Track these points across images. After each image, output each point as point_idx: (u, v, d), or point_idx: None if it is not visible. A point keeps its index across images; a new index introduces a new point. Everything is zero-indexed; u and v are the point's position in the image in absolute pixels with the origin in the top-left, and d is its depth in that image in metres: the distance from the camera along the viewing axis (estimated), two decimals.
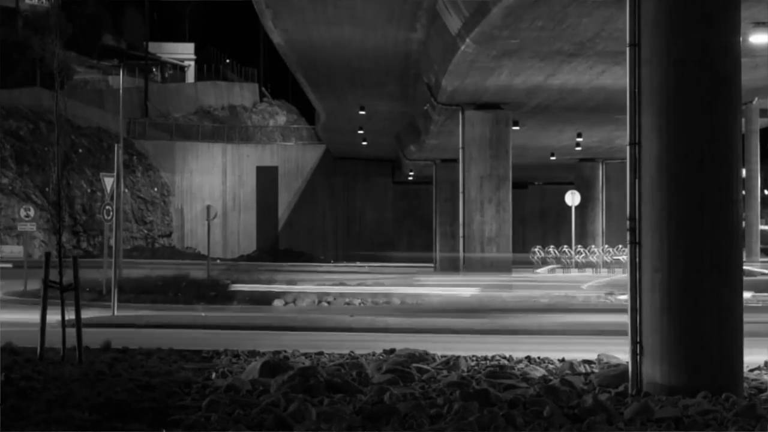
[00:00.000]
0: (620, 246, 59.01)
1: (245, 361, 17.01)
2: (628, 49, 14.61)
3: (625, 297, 15.50)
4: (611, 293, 37.32)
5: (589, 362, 16.85)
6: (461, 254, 41.20)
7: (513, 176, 41.72)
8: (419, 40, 37.07)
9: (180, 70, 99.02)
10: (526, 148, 55.52)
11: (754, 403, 12.88)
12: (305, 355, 17.87)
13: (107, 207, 33.30)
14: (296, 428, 11.58)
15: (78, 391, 13.39)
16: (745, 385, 14.64)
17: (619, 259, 58.98)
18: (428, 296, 36.83)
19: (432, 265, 66.47)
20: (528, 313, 30.52)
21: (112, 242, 35.03)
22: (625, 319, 14.66)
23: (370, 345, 19.26)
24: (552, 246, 64.38)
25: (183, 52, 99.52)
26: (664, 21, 14.36)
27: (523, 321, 27.69)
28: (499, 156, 40.78)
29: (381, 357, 17.42)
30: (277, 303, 34.44)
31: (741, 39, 14.69)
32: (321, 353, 18.04)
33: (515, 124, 42.68)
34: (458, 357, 17.09)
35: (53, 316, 16.74)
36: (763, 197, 66.63)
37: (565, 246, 63.27)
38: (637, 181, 14.47)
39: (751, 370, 16.24)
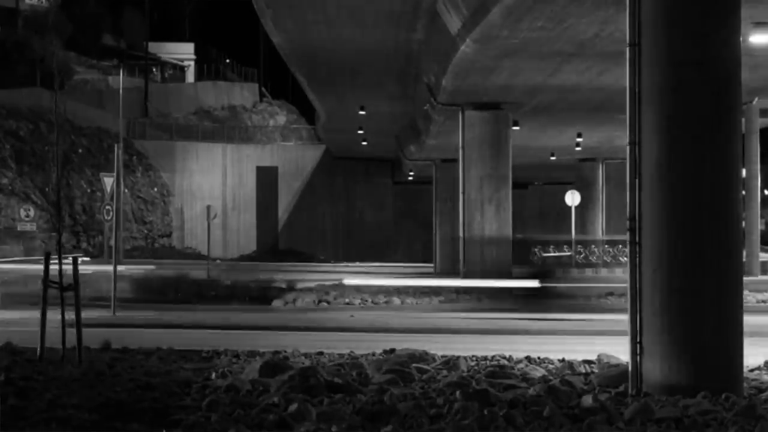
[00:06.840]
0: (620, 246, 58.99)
1: (245, 361, 16.98)
2: (628, 49, 14.60)
3: None
4: None
5: (589, 362, 16.84)
6: (461, 254, 41.18)
7: (513, 176, 41.71)
8: (419, 40, 37.09)
9: (180, 70, 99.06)
10: (526, 148, 55.52)
11: (754, 403, 12.87)
12: (305, 355, 17.86)
13: (107, 207, 33.32)
14: (296, 428, 11.58)
15: (78, 391, 13.38)
16: (745, 385, 14.64)
17: (619, 259, 58.98)
18: None
19: (432, 265, 66.42)
20: None
21: (112, 242, 35.01)
22: None
23: (370, 345, 19.25)
24: (552, 246, 64.32)
25: (183, 52, 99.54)
26: (664, 21, 14.36)
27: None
28: (499, 156, 40.77)
29: (381, 357, 17.39)
30: (277, 303, 34.43)
31: (741, 39, 14.69)
32: (321, 353, 18.04)
33: (515, 124, 42.69)
34: (458, 357, 17.08)
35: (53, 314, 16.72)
36: (763, 197, 66.60)
37: (565, 246, 63.23)
38: (637, 181, 14.46)
39: (751, 370, 16.24)
